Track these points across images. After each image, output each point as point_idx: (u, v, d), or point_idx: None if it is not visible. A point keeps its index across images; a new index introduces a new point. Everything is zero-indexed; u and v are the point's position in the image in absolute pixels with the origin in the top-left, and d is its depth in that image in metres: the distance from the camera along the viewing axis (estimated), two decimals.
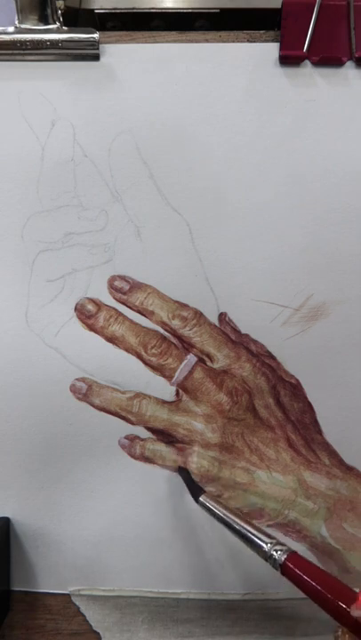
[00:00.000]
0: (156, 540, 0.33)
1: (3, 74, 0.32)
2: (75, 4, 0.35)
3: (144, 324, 0.33)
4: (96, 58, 0.32)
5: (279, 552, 0.25)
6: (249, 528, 0.27)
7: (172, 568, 0.33)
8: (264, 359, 0.33)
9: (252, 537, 0.26)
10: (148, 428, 0.33)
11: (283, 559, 0.24)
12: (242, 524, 0.27)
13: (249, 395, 0.33)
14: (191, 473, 0.32)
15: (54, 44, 0.32)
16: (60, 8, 0.32)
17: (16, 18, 0.32)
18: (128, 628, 0.33)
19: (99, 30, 0.32)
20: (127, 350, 0.33)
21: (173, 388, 0.33)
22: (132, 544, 0.33)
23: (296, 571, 0.24)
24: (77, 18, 0.35)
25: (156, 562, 0.33)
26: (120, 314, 0.33)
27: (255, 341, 0.33)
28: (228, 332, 0.33)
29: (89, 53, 0.32)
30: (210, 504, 0.29)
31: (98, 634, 0.33)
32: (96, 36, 0.32)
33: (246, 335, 0.33)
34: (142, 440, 0.33)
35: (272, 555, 0.25)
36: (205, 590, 0.33)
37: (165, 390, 0.33)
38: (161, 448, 0.33)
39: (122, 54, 0.32)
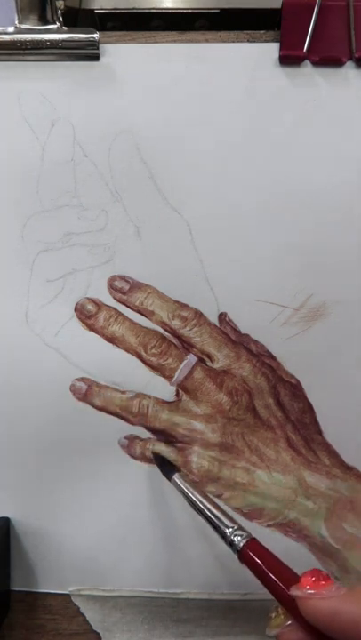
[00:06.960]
0: (156, 539, 0.33)
1: (3, 74, 0.32)
2: (75, 4, 0.35)
3: (144, 324, 0.33)
4: (96, 58, 0.32)
5: (238, 538, 0.24)
6: (215, 512, 0.26)
7: (172, 568, 0.33)
8: (264, 359, 0.33)
9: (216, 521, 0.26)
10: (148, 428, 0.33)
11: (241, 545, 0.24)
12: (209, 507, 0.27)
13: (249, 395, 0.33)
14: (191, 472, 0.32)
15: (54, 44, 0.32)
16: (60, 8, 0.32)
17: (16, 18, 0.32)
18: (128, 628, 0.33)
19: (99, 30, 0.32)
20: (127, 350, 0.33)
21: (173, 388, 0.33)
22: (132, 544, 0.33)
23: (254, 558, 0.23)
24: (77, 18, 0.35)
25: (156, 562, 0.33)
26: (120, 314, 0.33)
27: (255, 341, 0.33)
28: (228, 331, 0.33)
29: (89, 53, 0.32)
30: (182, 484, 0.29)
31: (98, 634, 0.33)
32: (96, 36, 0.32)
33: (246, 335, 0.33)
34: (142, 440, 0.33)
35: (232, 541, 0.24)
36: (205, 590, 0.33)
37: (165, 390, 0.33)
38: (161, 448, 0.33)
39: (122, 54, 0.32)
